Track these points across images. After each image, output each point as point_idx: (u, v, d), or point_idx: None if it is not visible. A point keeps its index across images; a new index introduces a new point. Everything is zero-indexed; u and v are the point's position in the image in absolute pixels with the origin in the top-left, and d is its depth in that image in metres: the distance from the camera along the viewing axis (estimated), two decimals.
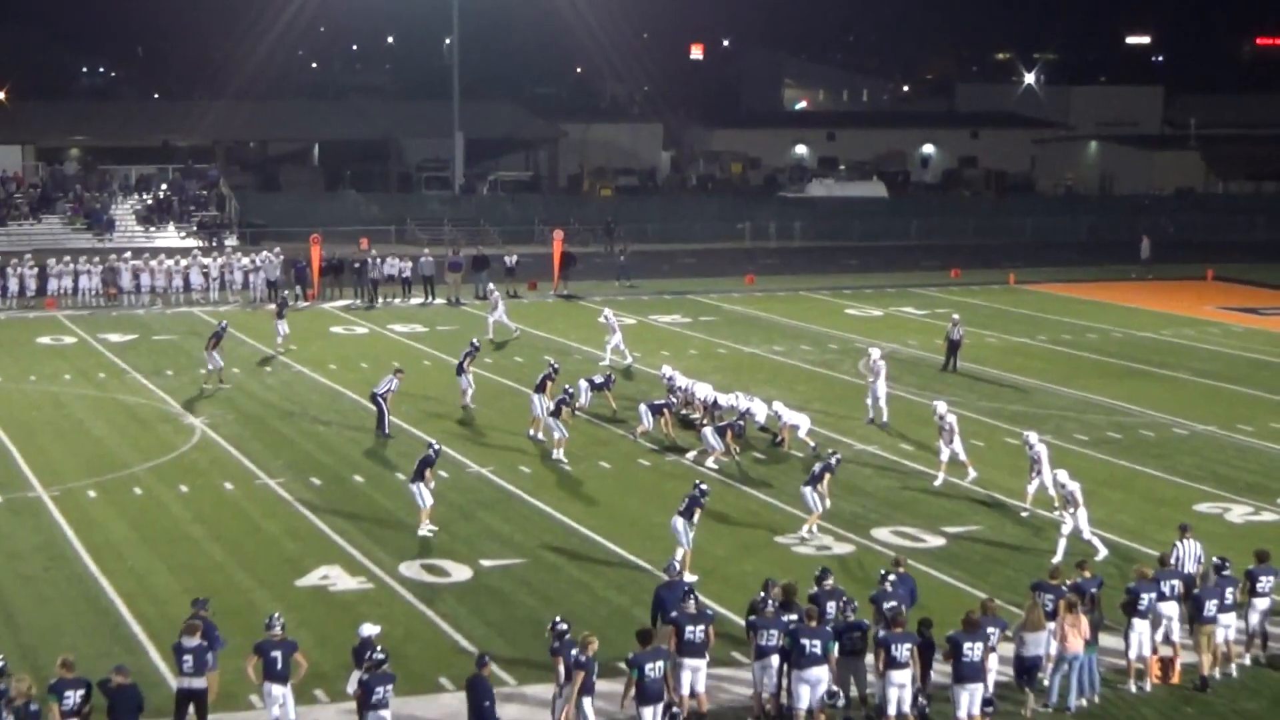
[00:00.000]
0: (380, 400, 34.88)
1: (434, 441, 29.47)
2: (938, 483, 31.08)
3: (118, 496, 29.76)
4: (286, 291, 53.62)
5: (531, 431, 34.36)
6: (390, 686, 18.13)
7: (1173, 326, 52.27)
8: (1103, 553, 25.90)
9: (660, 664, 18.48)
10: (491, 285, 55.08)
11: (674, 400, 35.62)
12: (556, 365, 36.22)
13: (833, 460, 28.35)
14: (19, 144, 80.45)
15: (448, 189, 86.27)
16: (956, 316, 45.08)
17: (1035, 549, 26.92)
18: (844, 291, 60.18)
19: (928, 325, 50.88)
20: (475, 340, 40.52)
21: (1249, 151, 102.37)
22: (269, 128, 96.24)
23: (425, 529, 27.49)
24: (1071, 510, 25.96)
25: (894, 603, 20.30)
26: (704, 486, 25.91)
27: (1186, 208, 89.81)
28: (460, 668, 21.40)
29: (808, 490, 27.65)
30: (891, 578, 21.12)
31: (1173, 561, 22.30)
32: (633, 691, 18.37)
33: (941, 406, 31.61)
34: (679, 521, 24.98)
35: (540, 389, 34.65)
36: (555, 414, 32.80)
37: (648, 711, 18.40)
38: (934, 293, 59.98)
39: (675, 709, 18.08)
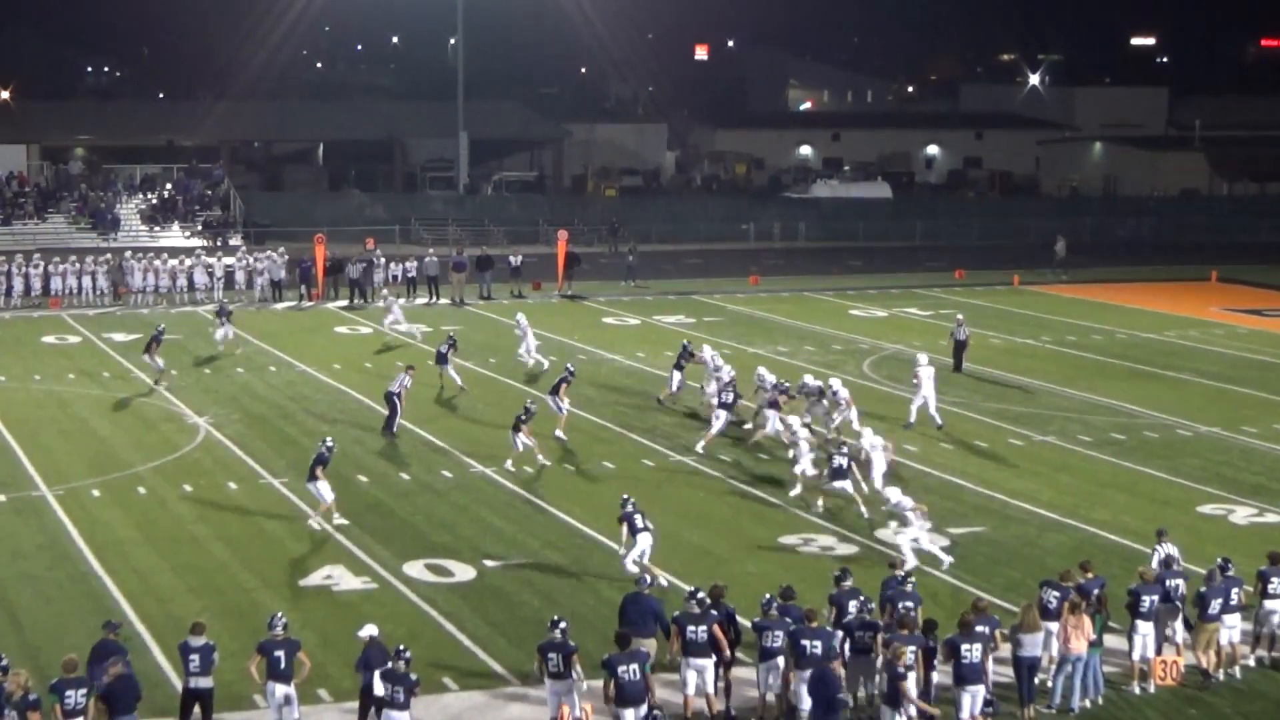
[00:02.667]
0: (395, 399, 34.97)
1: (329, 439, 29.43)
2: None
3: (122, 496, 29.78)
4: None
5: (558, 432, 34.20)
6: (402, 689, 18.14)
7: (1177, 328, 52.25)
8: (946, 561, 25.37)
9: (635, 667, 18.47)
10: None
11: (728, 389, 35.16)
12: (572, 368, 36.17)
13: (844, 451, 28.96)
14: (24, 143, 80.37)
15: (452, 189, 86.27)
16: (960, 316, 45.07)
17: (1038, 550, 26.91)
18: (848, 292, 60.17)
19: (932, 326, 50.86)
20: (452, 335, 41.29)
21: (1253, 153, 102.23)
22: (273, 128, 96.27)
23: (315, 522, 27.55)
24: (911, 524, 25.22)
25: (909, 604, 20.42)
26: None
27: (1191, 209, 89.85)
28: (463, 668, 21.44)
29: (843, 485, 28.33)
30: (905, 581, 21.19)
31: (1155, 565, 22.25)
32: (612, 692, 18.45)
33: (868, 438, 30.18)
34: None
35: (555, 391, 34.62)
36: (515, 429, 32.09)
37: (628, 713, 18.43)
38: (938, 294, 59.97)
39: (657, 711, 18.03)
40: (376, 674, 18.57)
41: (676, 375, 37.93)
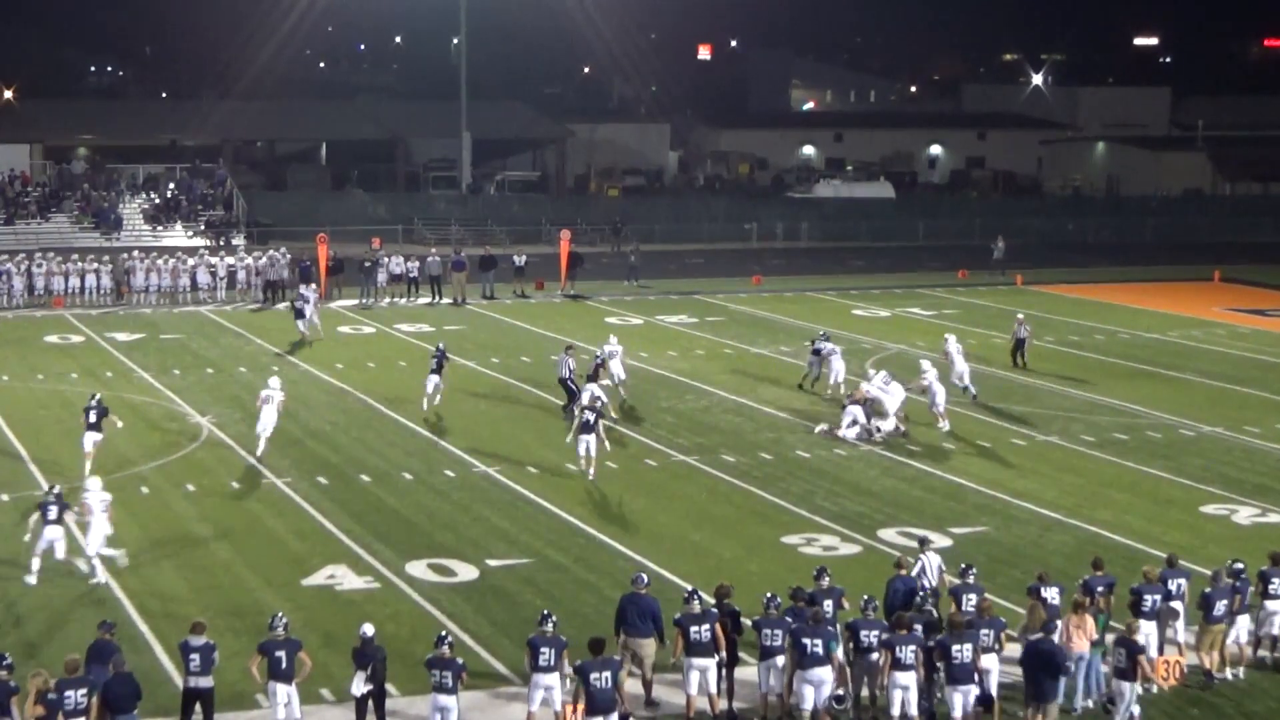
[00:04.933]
0: (567, 384, 36.03)
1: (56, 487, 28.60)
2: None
3: (125, 495, 29.66)
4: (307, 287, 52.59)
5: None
6: (450, 673, 18.35)
7: (1180, 328, 52.23)
8: (100, 578, 24.41)
9: (608, 674, 18.38)
10: (305, 290, 49.88)
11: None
12: (443, 346, 37.87)
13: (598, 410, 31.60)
14: (27, 143, 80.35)
15: (455, 189, 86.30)
16: (1021, 315, 45.19)
17: (1041, 550, 26.90)
18: (851, 292, 60.16)
19: (935, 326, 50.83)
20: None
21: (1256, 153, 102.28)
22: (276, 127, 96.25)
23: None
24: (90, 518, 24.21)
25: (972, 595, 20.53)
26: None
27: (1194, 209, 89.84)
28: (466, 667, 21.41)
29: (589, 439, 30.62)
30: (968, 573, 21.23)
31: (915, 574, 21.96)
32: (582, 701, 18.41)
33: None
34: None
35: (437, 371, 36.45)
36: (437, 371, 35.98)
37: None
38: (941, 294, 59.97)
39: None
40: (359, 674, 18.81)
41: (815, 361, 39.78)
